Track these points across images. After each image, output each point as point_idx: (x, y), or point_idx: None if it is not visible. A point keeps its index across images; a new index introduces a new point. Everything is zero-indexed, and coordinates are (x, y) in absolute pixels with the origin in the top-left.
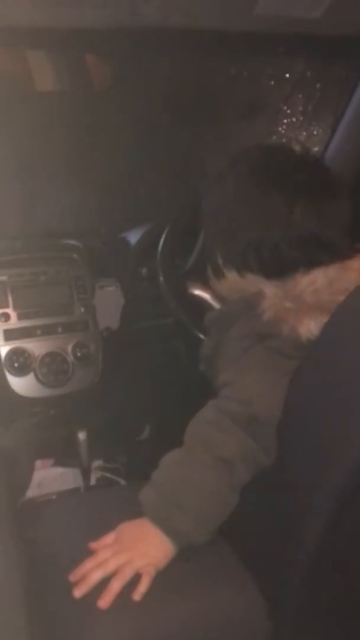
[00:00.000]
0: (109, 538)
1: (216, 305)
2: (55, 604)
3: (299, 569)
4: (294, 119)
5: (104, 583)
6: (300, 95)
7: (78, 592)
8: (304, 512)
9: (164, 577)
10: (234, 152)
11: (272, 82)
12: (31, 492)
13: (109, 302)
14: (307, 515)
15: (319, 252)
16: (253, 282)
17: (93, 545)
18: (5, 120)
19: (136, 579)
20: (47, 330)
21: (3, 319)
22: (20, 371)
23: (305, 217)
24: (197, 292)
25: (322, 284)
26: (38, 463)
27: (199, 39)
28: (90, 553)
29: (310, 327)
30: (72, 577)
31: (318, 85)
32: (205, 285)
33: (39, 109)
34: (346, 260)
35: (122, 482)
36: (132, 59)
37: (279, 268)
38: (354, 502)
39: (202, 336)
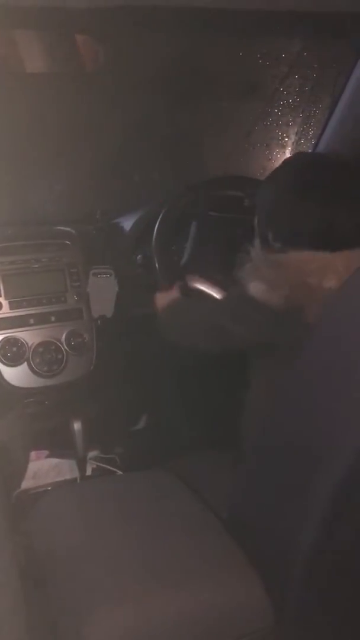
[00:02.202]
0: None
1: (216, 295)
2: (53, 595)
3: (301, 557)
4: (290, 100)
5: (103, 574)
6: (296, 76)
7: None
8: (306, 500)
9: (164, 566)
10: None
11: (268, 63)
12: (26, 484)
13: (103, 290)
14: (309, 504)
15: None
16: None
17: None
18: None
19: (133, 569)
20: (40, 319)
21: None
22: (14, 361)
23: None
24: (198, 285)
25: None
26: (33, 454)
27: (192, 18)
28: (88, 543)
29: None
30: None
31: (315, 66)
32: (204, 277)
33: (30, 92)
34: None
35: (118, 472)
36: (125, 38)
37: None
38: (356, 488)
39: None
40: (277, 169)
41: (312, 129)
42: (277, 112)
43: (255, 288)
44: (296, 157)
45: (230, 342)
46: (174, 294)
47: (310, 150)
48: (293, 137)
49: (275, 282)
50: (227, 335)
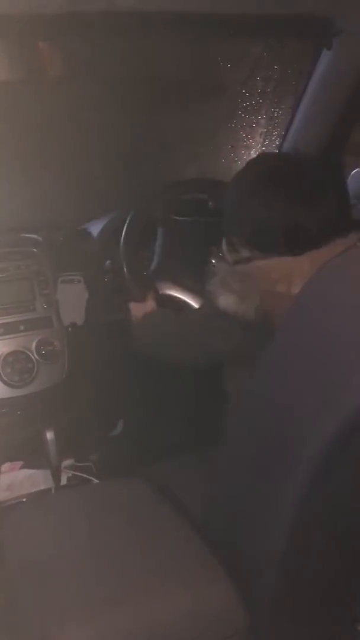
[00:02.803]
0: None
1: (190, 302)
2: (23, 608)
3: (273, 563)
4: (253, 102)
5: (75, 584)
6: (258, 78)
7: None
8: (276, 506)
9: (136, 577)
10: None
11: (229, 65)
12: (0, 496)
13: (73, 297)
14: (279, 509)
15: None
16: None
17: None
18: None
19: (105, 581)
20: (9, 329)
21: None
22: None
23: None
24: (168, 291)
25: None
26: (6, 466)
27: (153, 22)
28: (60, 554)
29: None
30: None
31: (276, 67)
32: (174, 283)
33: None
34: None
35: (94, 480)
36: (88, 44)
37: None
38: (325, 487)
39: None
40: (240, 171)
41: (276, 130)
42: (241, 113)
43: (226, 301)
44: (259, 159)
45: (205, 354)
46: (148, 305)
47: (275, 151)
48: (258, 138)
49: (244, 293)
50: (203, 348)
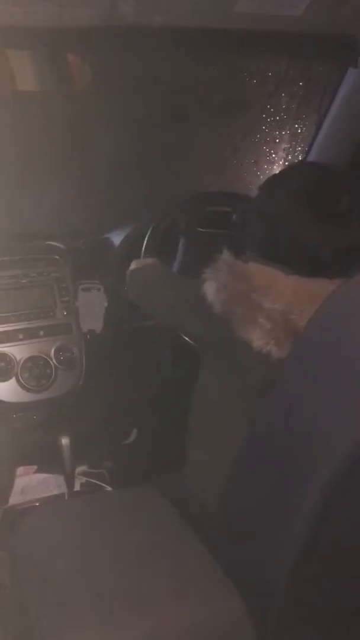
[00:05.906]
0: None
1: None
2: (36, 612)
3: (282, 578)
4: (277, 117)
5: (87, 593)
6: (283, 94)
7: None
8: (287, 519)
9: (145, 587)
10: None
11: (255, 81)
12: (14, 499)
13: (92, 304)
14: (290, 523)
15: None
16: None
17: None
18: None
19: (115, 593)
20: (29, 334)
21: None
22: (2, 376)
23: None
24: None
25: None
26: (21, 469)
27: (179, 37)
28: (72, 562)
29: None
30: None
31: (301, 84)
32: None
33: (20, 109)
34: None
35: (107, 487)
36: (117, 58)
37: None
38: (339, 506)
39: (184, 337)
40: (277, 178)
41: (299, 146)
42: (265, 129)
43: (208, 287)
44: (297, 169)
45: (174, 324)
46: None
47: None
48: (281, 154)
49: (223, 287)
50: (174, 319)
